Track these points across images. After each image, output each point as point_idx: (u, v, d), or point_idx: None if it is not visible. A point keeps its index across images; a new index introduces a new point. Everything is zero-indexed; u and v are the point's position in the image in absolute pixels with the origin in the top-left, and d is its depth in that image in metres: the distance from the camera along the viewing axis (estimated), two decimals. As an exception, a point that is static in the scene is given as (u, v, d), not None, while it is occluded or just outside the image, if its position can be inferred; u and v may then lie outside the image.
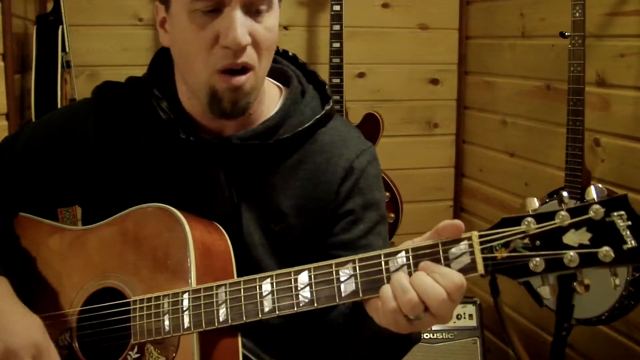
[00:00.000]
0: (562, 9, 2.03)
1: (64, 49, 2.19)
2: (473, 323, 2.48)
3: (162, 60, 1.18)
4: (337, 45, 2.45)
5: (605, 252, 0.82)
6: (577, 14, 1.88)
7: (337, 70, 2.45)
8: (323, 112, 1.15)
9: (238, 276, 1.05)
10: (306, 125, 1.13)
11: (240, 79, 1.03)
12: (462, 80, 2.90)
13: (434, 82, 2.89)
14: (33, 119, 2.13)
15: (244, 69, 1.03)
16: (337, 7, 2.43)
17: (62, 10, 2.20)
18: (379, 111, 2.68)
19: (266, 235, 1.13)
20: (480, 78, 2.80)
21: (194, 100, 1.11)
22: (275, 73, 1.21)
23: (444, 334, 2.46)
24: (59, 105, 2.15)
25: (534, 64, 2.43)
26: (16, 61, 2.07)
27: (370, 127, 2.59)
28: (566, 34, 1.92)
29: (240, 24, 0.99)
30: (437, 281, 0.87)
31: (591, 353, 2.16)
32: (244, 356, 1.09)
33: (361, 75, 2.80)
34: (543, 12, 2.36)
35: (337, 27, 2.45)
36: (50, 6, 2.26)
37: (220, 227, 1.11)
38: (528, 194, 2.47)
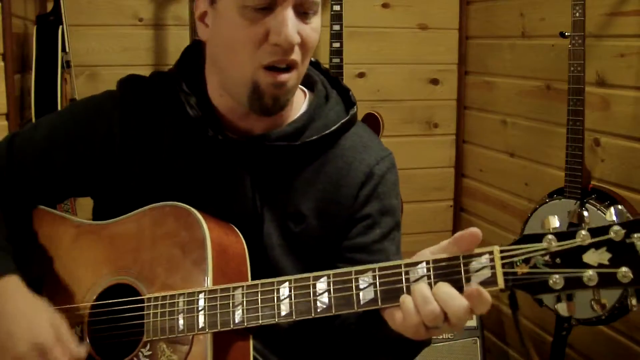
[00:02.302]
0: (562, 9, 2.04)
1: (64, 49, 2.19)
2: (473, 323, 2.48)
3: (191, 57, 1.18)
4: (337, 45, 2.45)
5: (624, 272, 0.83)
6: (577, 14, 1.88)
7: (337, 70, 2.45)
8: (348, 116, 1.17)
9: (254, 276, 1.06)
10: (333, 129, 1.14)
11: (285, 76, 1.05)
12: (462, 80, 2.91)
13: (434, 82, 2.89)
14: (33, 119, 2.13)
15: (288, 67, 1.05)
16: (337, 7, 2.44)
17: (62, 10, 2.21)
18: (379, 111, 2.69)
19: (285, 236, 1.14)
20: (480, 78, 2.80)
21: (227, 97, 1.11)
22: None
23: (444, 334, 2.46)
24: (59, 106, 2.15)
25: (534, 64, 2.43)
26: (16, 61, 2.07)
27: (371, 127, 2.58)
28: (566, 34, 1.92)
29: (293, 23, 1.01)
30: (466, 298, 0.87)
31: (591, 353, 2.16)
32: (253, 357, 1.09)
33: (361, 75, 2.80)
34: (543, 12, 2.37)
35: (337, 27, 2.45)
36: (50, 6, 2.26)
37: (237, 230, 1.11)
38: (528, 194, 2.47)
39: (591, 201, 1.90)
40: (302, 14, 1.03)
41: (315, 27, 1.06)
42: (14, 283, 1.08)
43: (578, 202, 1.91)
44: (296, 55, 1.04)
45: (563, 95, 1.99)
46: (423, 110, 2.90)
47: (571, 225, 1.91)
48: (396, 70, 2.84)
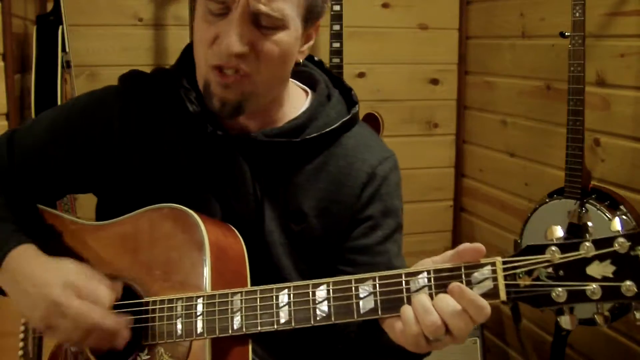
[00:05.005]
0: (562, 9, 2.04)
1: (64, 49, 2.19)
2: (473, 323, 2.48)
3: (190, 54, 1.17)
4: (337, 45, 2.45)
5: (628, 286, 0.82)
6: (577, 14, 1.88)
7: (337, 70, 2.45)
8: (350, 115, 1.16)
9: (256, 275, 1.05)
10: (333, 127, 1.13)
11: (231, 78, 1.03)
12: (462, 80, 2.91)
13: (434, 82, 2.89)
14: (33, 119, 2.13)
15: (237, 72, 1.03)
16: (337, 7, 2.43)
17: (62, 10, 2.21)
18: (379, 111, 2.68)
19: (286, 235, 1.13)
20: (480, 78, 2.80)
21: None
22: (302, 76, 1.21)
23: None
24: (59, 105, 2.15)
25: (534, 64, 2.43)
26: (16, 61, 2.07)
27: (370, 127, 2.58)
28: (566, 34, 1.92)
29: (237, 32, 0.99)
30: (462, 306, 0.87)
31: (591, 353, 2.16)
32: None
33: (361, 75, 2.80)
34: (543, 12, 2.37)
35: (337, 27, 2.45)
36: (50, 6, 2.26)
37: (236, 231, 1.11)
38: (528, 194, 2.47)
39: (591, 201, 1.90)
40: (261, 25, 1.01)
41: (277, 41, 1.02)
42: (33, 249, 1.09)
43: (578, 202, 1.91)
44: (245, 64, 1.02)
45: (563, 95, 1.99)
46: (423, 110, 2.90)
47: (571, 226, 1.92)
48: (396, 70, 2.84)
